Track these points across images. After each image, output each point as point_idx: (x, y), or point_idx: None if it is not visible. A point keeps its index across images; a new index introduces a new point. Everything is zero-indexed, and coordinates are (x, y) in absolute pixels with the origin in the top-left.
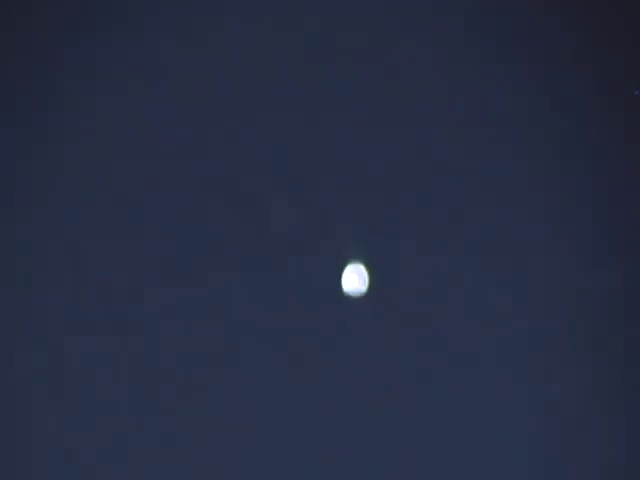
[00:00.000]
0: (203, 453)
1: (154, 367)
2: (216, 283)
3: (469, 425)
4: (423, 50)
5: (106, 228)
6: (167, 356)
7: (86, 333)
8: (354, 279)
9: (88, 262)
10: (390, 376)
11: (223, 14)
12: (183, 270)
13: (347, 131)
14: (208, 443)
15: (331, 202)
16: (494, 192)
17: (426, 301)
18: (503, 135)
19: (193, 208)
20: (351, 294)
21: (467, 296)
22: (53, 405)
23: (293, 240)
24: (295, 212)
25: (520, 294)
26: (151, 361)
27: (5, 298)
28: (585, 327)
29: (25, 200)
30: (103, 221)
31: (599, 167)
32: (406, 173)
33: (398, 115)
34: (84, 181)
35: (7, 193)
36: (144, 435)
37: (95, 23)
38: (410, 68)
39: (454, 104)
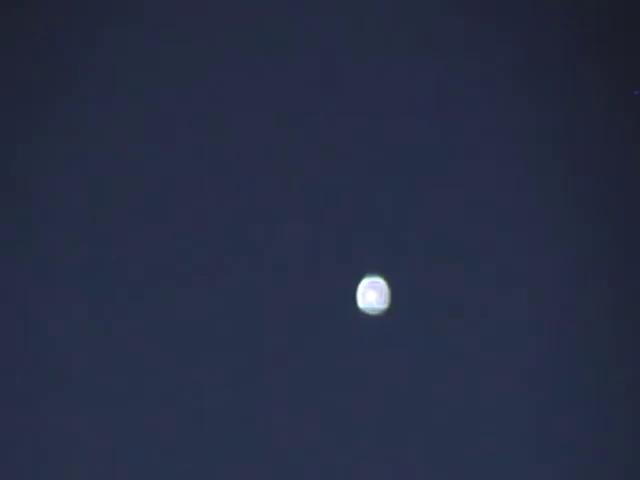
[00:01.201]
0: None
1: (156, 375)
2: (231, 297)
3: (486, 442)
4: (424, 59)
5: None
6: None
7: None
8: (372, 295)
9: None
10: (406, 392)
11: (224, 14)
12: (198, 294)
13: (362, 145)
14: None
15: (347, 218)
16: (505, 207)
17: (443, 317)
18: (502, 136)
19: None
20: (369, 311)
21: (484, 312)
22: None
23: (309, 256)
24: (310, 229)
25: (536, 305)
26: (154, 372)
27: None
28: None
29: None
30: (105, 231)
31: (599, 167)
32: (420, 187)
33: (408, 128)
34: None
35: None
36: (141, 435)
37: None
38: (414, 83)
39: (457, 114)
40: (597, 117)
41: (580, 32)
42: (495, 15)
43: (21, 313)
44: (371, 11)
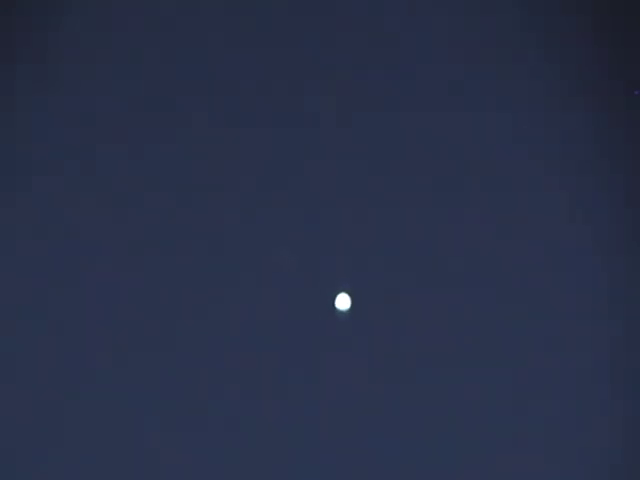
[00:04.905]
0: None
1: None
2: (223, 306)
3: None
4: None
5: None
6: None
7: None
8: (342, 302)
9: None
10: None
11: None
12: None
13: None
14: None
15: (325, 238)
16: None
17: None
18: (502, 135)
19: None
20: (341, 312)
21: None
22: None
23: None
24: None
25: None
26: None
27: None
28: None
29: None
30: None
31: (599, 167)
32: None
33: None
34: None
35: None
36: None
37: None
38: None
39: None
40: (597, 117)
41: (580, 32)
42: (496, 15)
43: None
44: None
